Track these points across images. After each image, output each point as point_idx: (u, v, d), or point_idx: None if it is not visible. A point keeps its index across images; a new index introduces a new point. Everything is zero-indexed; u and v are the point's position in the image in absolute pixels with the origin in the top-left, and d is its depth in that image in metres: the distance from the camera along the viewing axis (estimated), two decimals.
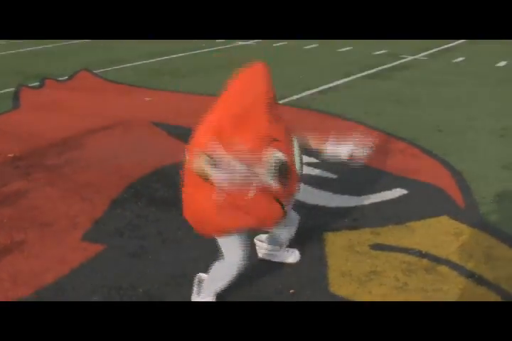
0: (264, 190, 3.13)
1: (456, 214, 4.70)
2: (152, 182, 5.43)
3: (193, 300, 3.61)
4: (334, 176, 5.47)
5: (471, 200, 4.97)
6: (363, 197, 5.03)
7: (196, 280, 3.70)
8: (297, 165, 3.35)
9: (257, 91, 3.14)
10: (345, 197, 5.03)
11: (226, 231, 3.30)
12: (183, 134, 6.72)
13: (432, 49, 12.90)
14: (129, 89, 9.27)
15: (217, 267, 3.49)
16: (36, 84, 9.72)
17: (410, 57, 11.81)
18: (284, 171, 3.16)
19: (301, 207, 4.84)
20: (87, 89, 9.32)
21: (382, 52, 12.46)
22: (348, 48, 12.89)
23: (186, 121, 7.21)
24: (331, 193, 5.11)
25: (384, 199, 4.99)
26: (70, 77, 10.18)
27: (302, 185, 5.17)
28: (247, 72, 3.19)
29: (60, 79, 10.08)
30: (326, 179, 5.40)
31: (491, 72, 10.34)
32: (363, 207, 4.86)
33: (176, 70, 10.75)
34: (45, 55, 12.97)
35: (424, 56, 12.04)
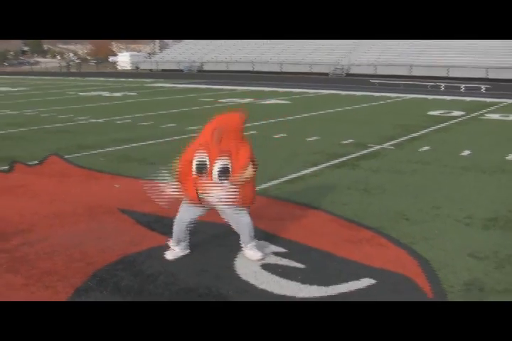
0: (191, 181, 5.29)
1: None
2: (117, 270, 5.34)
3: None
4: (302, 266, 5.45)
5: (439, 289, 4.96)
6: (330, 287, 5.00)
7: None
8: (214, 171, 5.18)
9: (210, 127, 5.27)
10: (314, 287, 4.99)
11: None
12: (149, 221, 6.72)
13: (397, 138, 13.24)
14: (97, 175, 9.29)
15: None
16: (5, 168, 9.70)
17: (377, 147, 12.08)
18: (200, 168, 5.22)
19: (267, 297, 4.80)
20: (56, 174, 9.32)
21: (349, 141, 12.74)
22: (316, 138, 13.16)
23: (154, 208, 7.20)
24: (298, 283, 5.08)
25: (352, 289, 4.96)
26: (40, 162, 10.20)
27: (269, 275, 5.20)
28: (219, 117, 5.33)
29: (30, 163, 10.08)
30: (293, 269, 5.37)
31: (455, 161, 10.60)
32: (331, 297, 4.82)
33: (145, 157, 10.83)
34: (16, 139, 13.04)
35: (390, 145, 12.33)
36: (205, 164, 5.22)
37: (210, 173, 5.24)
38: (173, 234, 5.68)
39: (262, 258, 5.59)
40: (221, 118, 5.35)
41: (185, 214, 5.60)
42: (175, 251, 5.71)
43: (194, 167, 5.25)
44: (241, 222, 5.53)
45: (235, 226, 5.62)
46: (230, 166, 5.24)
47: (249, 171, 5.29)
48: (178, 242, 5.70)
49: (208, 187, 5.27)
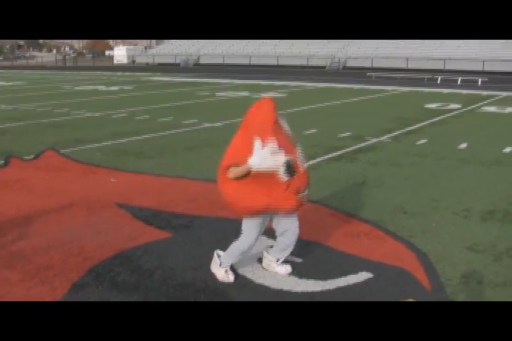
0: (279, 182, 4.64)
1: (422, 297, 4.66)
2: (114, 265, 5.31)
3: (212, 270, 5.01)
4: (299, 260, 5.43)
5: (438, 282, 4.94)
6: (328, 281, 4.97)
7: (215, 255, 5.04)
8: (300, 161, 4.79)
9: (259, 117, 4.77)
10: (311, 281, 4.97)
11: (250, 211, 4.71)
12: (147, 216, 6.69)
13: (395, 131, 13.21)
14: (94, 169, 9.25)
15: (235, 244, 4.92)
16: (1, 162, 9.66)
17: (374, 140, 12.05)
18: (291, 168, 4.65)
19: (264, 292, 4.78)
20: (52, 168, 9.28)
21: (346, 134, 12.71)
22: (313, 131, 13.13)
23: (151, 203, 7.19)
24: (296, 278, 5.05)
25: (349, 283, 4.94)
26: (36, 156, 10.16)
27: (267, 270, 5.17)
28: (256, 105, 4.91)
29: (26, 158, 10.04)
30: (291, 263, 5.34)
31: (453, 153, 10.57)
32: (329, 291, 4.80)
33: (142, 151, 10.79)
34: (12, 134, 12.98)
35: (388, 138, 12.30)
36: (290, 161, 4.69)
37: (298, 167, 4.77)
38: (230, 260, 5.01)
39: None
40: (254, 110, 4.88)
41: (255, 234, 4.91)
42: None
43: (284, 170, 4.62)
44: (296, 226, 5.03)
45: (288, 233, 5.00)
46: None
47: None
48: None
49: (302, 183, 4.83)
